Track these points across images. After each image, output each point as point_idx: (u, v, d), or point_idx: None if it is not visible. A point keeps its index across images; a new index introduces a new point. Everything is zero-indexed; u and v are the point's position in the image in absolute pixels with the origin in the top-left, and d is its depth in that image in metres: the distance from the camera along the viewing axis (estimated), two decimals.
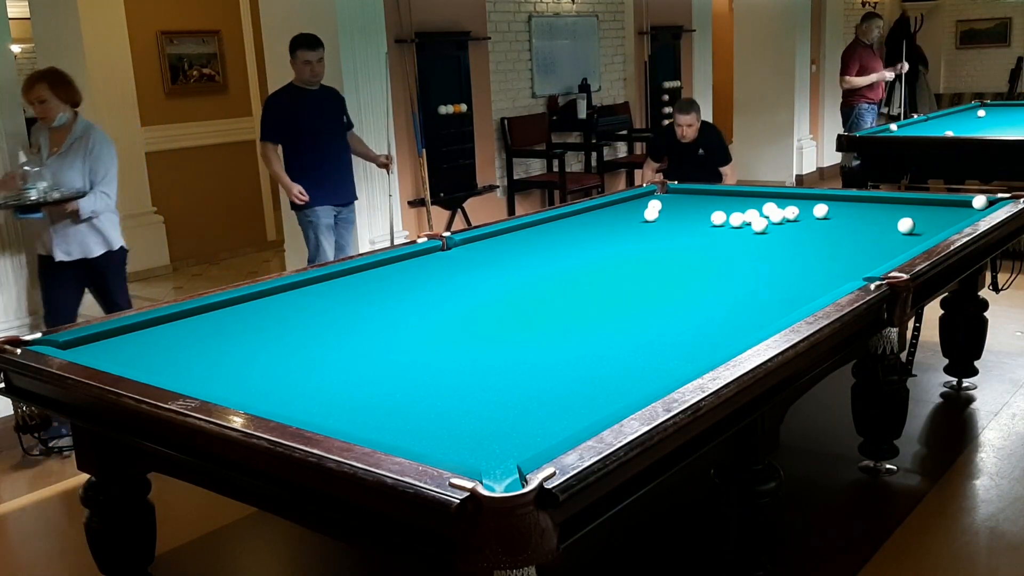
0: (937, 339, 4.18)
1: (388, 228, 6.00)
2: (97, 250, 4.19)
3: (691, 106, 5.85)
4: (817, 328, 2.41)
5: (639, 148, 8.57)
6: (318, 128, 5.00)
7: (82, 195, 4.06)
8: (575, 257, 3.65)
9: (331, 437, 1.82)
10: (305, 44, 4.92)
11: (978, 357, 4.17)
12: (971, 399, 4.10)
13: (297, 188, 4.92)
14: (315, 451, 1.77)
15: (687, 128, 5.77)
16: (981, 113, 8.23)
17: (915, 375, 3.81)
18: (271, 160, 5.02)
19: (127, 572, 2.74)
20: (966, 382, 4.18)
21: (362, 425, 2.00)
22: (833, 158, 9.89)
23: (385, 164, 5.43)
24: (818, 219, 4.05)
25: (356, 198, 5.31)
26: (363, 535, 1.91)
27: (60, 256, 4.12)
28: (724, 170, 5.96)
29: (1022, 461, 3.48)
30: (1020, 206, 3.86)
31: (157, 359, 2.58)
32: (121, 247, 4.28)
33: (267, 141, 5.00)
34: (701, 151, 5.86)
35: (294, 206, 5.06)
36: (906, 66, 8.72)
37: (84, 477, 2.69)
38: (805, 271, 3.27)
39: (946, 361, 4.20)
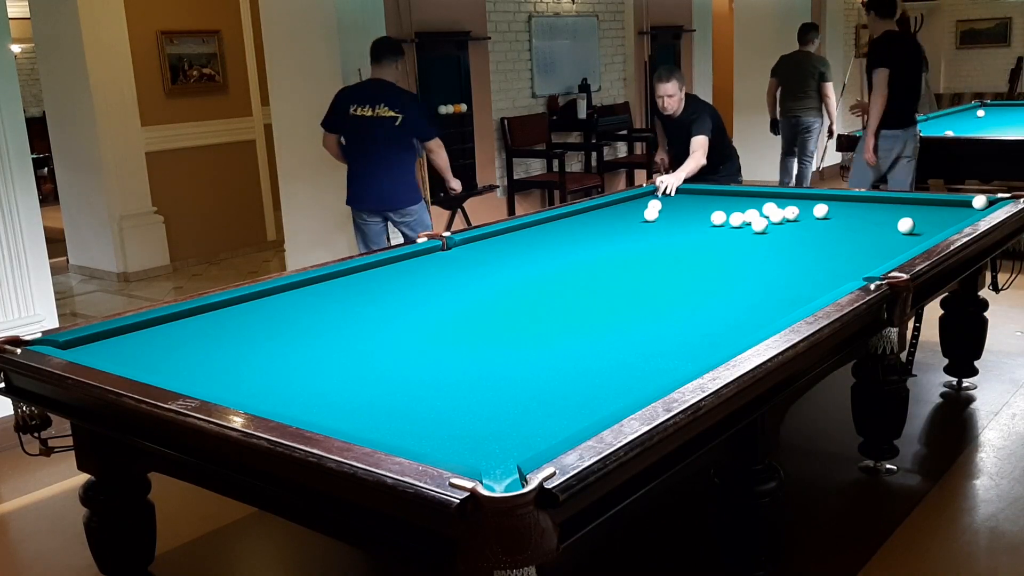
0: (937, 339, 4.18)
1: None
2: None
3: (670, 74, 5.01)
4: (817, 328, 2.41)
5: (639, 148, 8.58)
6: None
7: None
8: (575, 257, 3.65)
9: (331, 437, 1.82)
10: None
11: (978, 357, 4.17)
12: (971, 399, 4.09)
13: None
14: (315, 451, 1.77)
15: (667, 99, 4.99)
16: (981, 113, 8.24)
17: (915, 375, 3.80)
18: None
19: (127, 572, 2.74)
20: (966, 382, 4.18)
21: (362, 425, 2.00)
22: (833, 158, 9.88)
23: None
24: (818, 219, 4.05)
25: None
26: (363, 535, 1.91)
27: None
28: (692, 140, 4.94)
29: (1022, 461, 3.48)
30: (1020, 206, 3.87)
31: (157, 359, 2.58)
32: None
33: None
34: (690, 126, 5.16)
35: None
36: None
37: (84, 477, 2.69)
38: (805, 271, 3.27)
39: (946, 361, 4.20)
